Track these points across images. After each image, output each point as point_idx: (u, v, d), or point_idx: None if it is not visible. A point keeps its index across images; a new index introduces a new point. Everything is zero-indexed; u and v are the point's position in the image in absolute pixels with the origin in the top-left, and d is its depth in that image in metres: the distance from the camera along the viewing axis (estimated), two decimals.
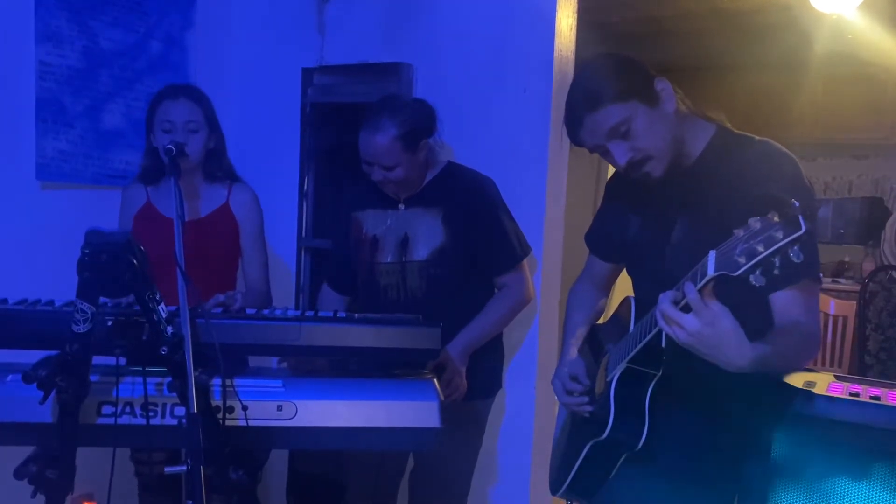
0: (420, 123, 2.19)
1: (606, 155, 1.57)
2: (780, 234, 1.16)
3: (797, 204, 1.16)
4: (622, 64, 1.56)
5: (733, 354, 1.31)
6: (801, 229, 1.15)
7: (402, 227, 2.28)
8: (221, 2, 3.19)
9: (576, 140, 1.60)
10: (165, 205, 2.29)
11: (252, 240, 2.37)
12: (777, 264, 1.17)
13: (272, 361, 2.25)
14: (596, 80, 1.53)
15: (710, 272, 1.24)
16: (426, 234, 2.25)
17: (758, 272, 1.19)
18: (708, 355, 1.32)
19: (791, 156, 1.55)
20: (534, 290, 2.41)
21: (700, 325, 1.28)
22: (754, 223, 1.19)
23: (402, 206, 2.29)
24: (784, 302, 1.47)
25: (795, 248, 1.16)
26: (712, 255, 1.25)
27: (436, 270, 2.25)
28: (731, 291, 1.28)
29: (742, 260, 1.19)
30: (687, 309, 1.29)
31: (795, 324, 1.45)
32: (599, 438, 1.57)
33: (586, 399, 1.73)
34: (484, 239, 2.26)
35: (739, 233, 1.21)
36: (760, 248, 1.17)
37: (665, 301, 1.32)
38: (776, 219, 1.17)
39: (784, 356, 1.44)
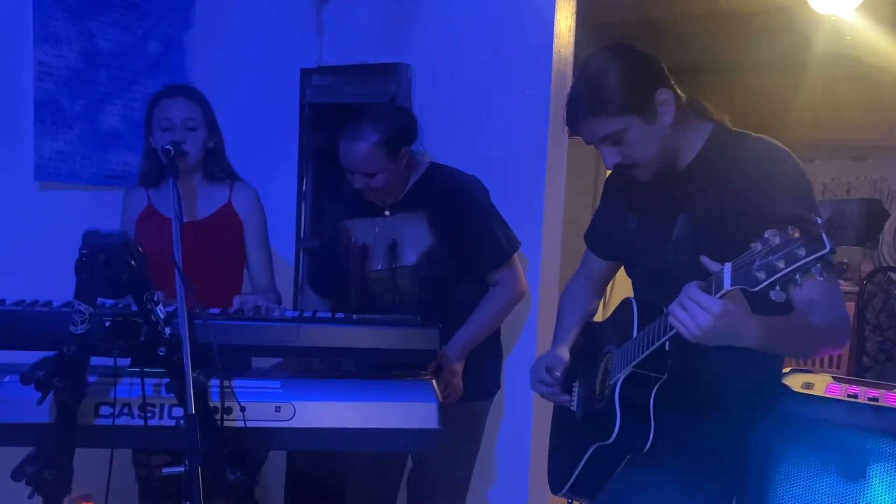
0: (401, 130, 2.19)
1: (598, 151, 1.59)
2: (802, 252, 1.13)
3: (820, 220, 1.13)
4: (631, 67, 1.55)
5: (743, 335, 1.32)
6: (825, 248, 1.12)
7: (390, 234, 2.28)
8: (220, 3, 3.19)
9: (573, 130, 1.62)
10: (168, 207, 2.28)
11: (257, 238, 2.36)
12: (798, 281, 1.15)
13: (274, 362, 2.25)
14: (601, 84, 1.53)
15: (727, 286, 1.23)
16: (413, 239, 2.25)
17: (777, 287, 1.17)
18: (719, 343, 1.31)
19: (787, 151, 1.55)
20: (527, 284, 2.41)
21: (712, 321, 1.26)
22: (772, 237, 1.17)
23: (387, 213, 2.30)
24: (799, 290, 1.46)
25: (818, 266, 1.13)
26: (728, 267, 1.24)
27: (426, 273, 2.25)
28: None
29: (762, 275, 1.17)
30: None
31: (810, 302, 1.44)
32: (605, 443, 1.57)
33: (557, 389, 1.81)
34: (470, 238, 2.26)
35: (756, 246, 1.19)
36: (781, 265, 1.15)
37: (684, 296, 1.30)
38: (797, 234, 1.15)
39: (799, 329, 1.43)
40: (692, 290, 1.28)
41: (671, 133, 1.56)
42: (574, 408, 1.83)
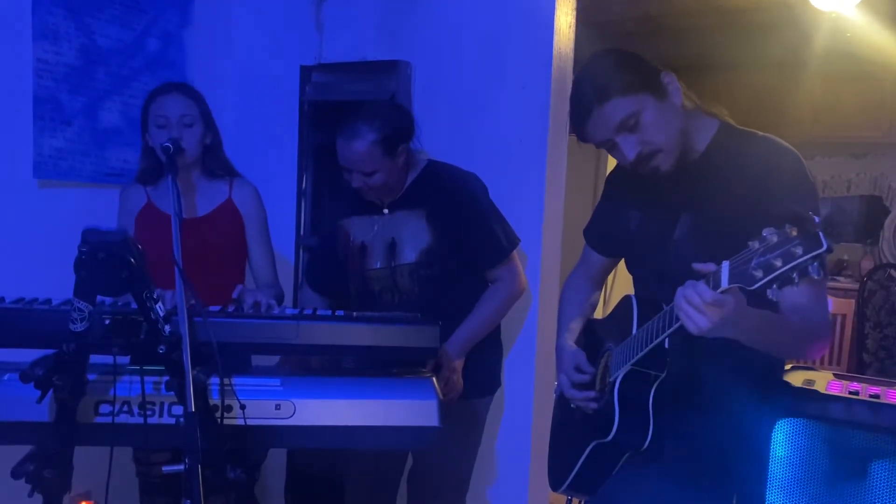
0: (398, 128, 2.18)
1: (614, 149, 1.56)
2: (799, 250, 1.13)
3: (818, 219, 1.14)
4: (627, 58, 1.56)
5: (741, 327, 1.34)
6: (822, 247, 1.12)
7: (389, 232, 2.27)
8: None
9: (582, 135, 1.58)
10: (167, 204, 2.27)
11: (258, 233, 2.36)
12: (796, 279, 1.15)
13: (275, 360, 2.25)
14: (603, 73, 1.53)
15: (724, 283, 1.23)
16: (412, 237, 2.25)
17: (774, 286, 1.17)
18: (716, 335, 1.32)
19: (794, 152, 1.55)
20: (526, 281, 2.40)
21: (718, 317, 1.27)
22: (770, 235, 1.17)
23: (386, 211, 2.29)
24: (786, 294, 1.46)
25: (815, 264, 1.13)
26: (726, 265, 1.24)
27: (425, 271, 2.25)
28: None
29: (759, 274, 1.17)
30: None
31: (798, 305, 1.44)
32: (604, 440, 1.57)
33: (593, 394, 1.72)
34: (469, 235, 2.25)
35: (755, 244, 1.19)
36: (778, 263, 1.15)
37: (693, 291, 1.30)
38: (794, 233, 1.15)
39: (786, 328, 1.44)
40: (700, 287, 1.28)
41: (683, 116, 1.56)
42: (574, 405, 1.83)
